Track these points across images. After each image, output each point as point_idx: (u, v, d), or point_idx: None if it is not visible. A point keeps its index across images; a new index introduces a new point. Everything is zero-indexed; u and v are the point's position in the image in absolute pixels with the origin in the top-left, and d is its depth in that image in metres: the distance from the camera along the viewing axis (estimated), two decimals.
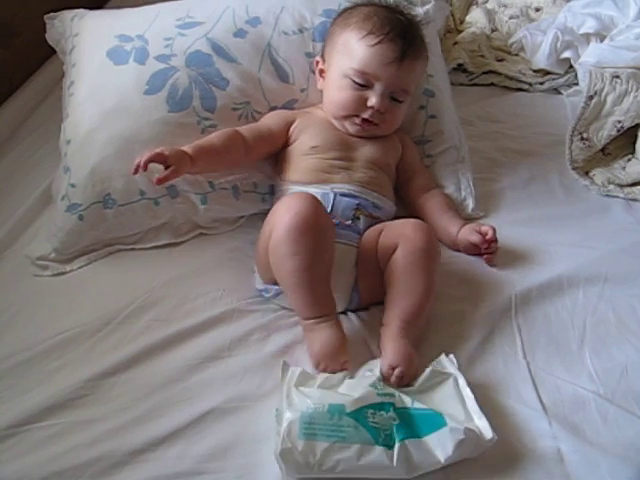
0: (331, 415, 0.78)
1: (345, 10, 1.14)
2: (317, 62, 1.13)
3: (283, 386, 0.84)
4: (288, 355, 0.92)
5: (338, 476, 0.77)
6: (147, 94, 1.09)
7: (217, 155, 1.05)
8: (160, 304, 0.99)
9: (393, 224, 1.02)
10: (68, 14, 1.25)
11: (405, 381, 0.86)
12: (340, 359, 0.87)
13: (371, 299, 1.00)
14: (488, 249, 1.05)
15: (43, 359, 0.92)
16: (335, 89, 1.09)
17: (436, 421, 0.80)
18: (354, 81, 1.06)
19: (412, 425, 0.80)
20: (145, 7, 1.24)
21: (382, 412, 0.80)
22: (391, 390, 0.83)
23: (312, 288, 0.90)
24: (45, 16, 1.28)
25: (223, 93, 1.11)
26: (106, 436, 0.83)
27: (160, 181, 0.97)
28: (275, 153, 1.13)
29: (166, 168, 0.97)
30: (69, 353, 0.93)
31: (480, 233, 1.05)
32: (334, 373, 0.86)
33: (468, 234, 1.06)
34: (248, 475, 0.79)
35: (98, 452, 0.81)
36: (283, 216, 0.91)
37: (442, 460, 0.78)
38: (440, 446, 0.78)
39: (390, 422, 0.79)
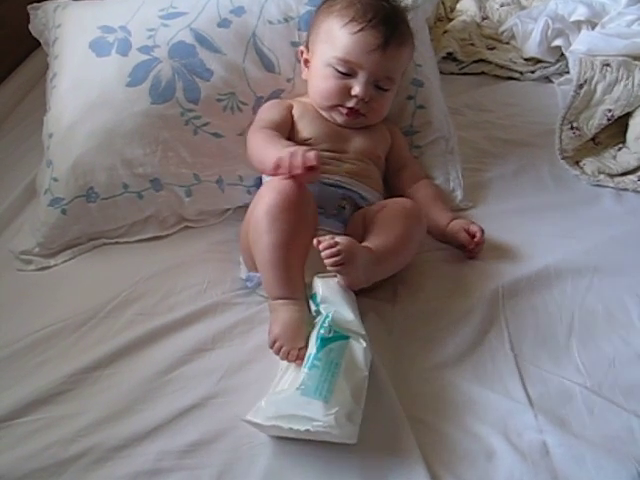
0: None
1: None
2: (302, 52, 1.12)
3: None
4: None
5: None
6: (129, 86, 1.07)
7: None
8: (144, 298, 0.99)
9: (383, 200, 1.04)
10: (51, 4, 1.23)
11: (340, 262, 0.86)
12: (297, 342, 0.86)
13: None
14: (473, 250, 1.04)
15: (26, 354, 0.91)
16: (319, 78, 1.08)
17: None
18: (337, 70, 1.05)
19: None
20: None
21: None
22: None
23: (285, 267, 0.90)
24: (28, 7, 1.26)
25: (207, 84, 1.09)
26: (89, 431, 0.82)
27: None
28: None
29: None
30: (52, 348, 0.92)
31: (468, 233, 1.04)
32: (287, 354, 0.85)
33: (456, 231, 1.05)
34: (231, 469, 0.79)
35: (81, 448, 0.81)
36: (265, 194, 0.92)
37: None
38: None
39: None
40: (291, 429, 0.77)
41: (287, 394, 0.81)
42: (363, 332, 0.85)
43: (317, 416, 0.77)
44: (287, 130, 1.08)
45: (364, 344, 0.84)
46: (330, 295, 0.89)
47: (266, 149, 0.99)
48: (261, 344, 0.92)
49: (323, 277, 0.91)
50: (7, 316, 0.97)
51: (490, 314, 0.97)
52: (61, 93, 1.11)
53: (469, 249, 1.04)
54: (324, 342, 0.83)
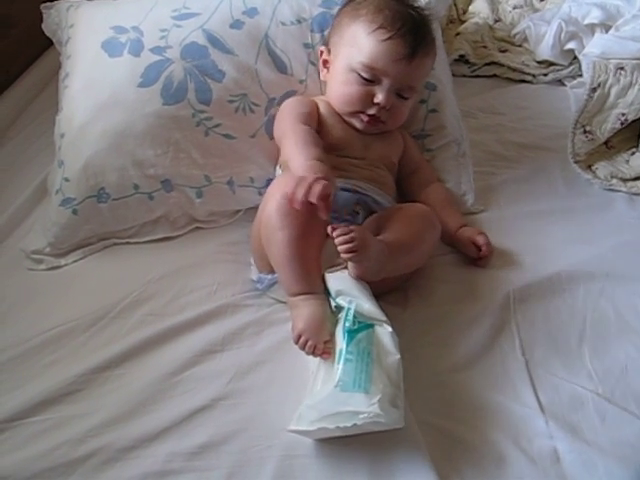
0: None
1: (351, 0, 1.11)
2: (322, 52, 1.11)
3: None
4: (282, 349, 0.91)
5: None
6: (141, 87, 1.07)
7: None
8: (154, 298, 0.99)
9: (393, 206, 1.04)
10: (64, 4, 1.23)
11: (353, 250, 0.86)
12: (322, 336, 0.86)
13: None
14: (480, 261, 1.05)
15: (36, 353, 0.92)
16: (340, 82, 1.06)
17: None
18: (361, 76, 1.03)
19: None
20: None
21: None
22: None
23: (301, 262, 0.90)
24: (41, 6, 1.26)
25: (219, 85, 1.09)
26: (98, 432, 0.82)
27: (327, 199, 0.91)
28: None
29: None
30: (62, 347, 0.92)
31: (475, 245, 1.04)
32: (313, 348, 0.85)
33: (464, 242, 1.05)
34: (241, 471, 0.79)
35: (90, 448, 0.81)
36: (275, 193, 0.92)
37: None
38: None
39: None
40: (338, 427, 0.77)
41: (326, 394, 0.80)
42: (384, 318, 0.86)
43: (361, 408, 0.76)
44: (315, 127, 1.07)
45: (389, 328, 0.85)
46: (344, 288, 0.88)
47: (295, 153, 0.97)
48: (271, 346, 0.92)
49: (332, 272, 0.91)
50: (18, 315, 0.97)
51: (501, 319, 0.96)
52: (73, 93, 1.11)
53: (476, 261, 1.05)
54: (351, 334, 0.83)
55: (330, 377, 0.82)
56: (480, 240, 1.04)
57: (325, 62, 1.10)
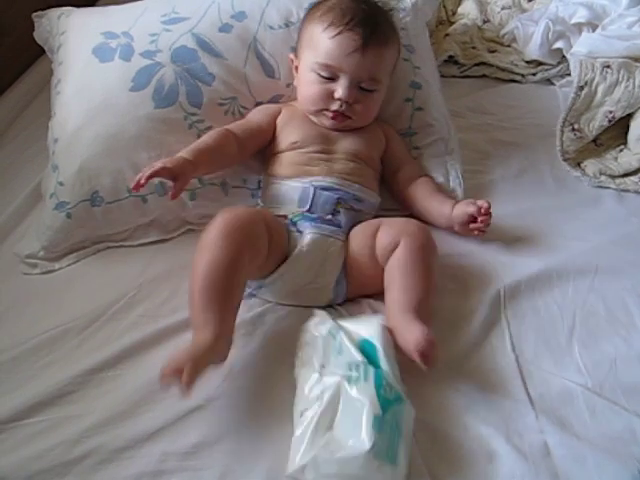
0: None
1: (314, 4, 1.12)
2: (292, 59, 1.13)
3: None
4: (274, 349, 0.92)
5: None
6: (133, 91, 1.09)
7: (214, 155, 1.04)
8: (148, 300, 0.99)
9: (392, 222, 1.01)
10: (55, 12, 1.25)
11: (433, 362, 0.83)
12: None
13: (359, 292, 1.00)
14: (483, 221, 1.04)
15: (31, 356, 0.92)
16: (304, 84, 1.09)
17: None
18: (320, 75, 1.05)
19: None
20: (132, 3, 1.23)
21: None
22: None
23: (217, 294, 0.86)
24: (33, 14, 1.28)
25: (209, 88, 1.10)
26: (93, 433, 0.83)
27: (175, 195, 0.96)
28: (264, 148, 1.12)
29: (172, 179, 0.96)
30: (57, 350, 0.93)
31: (475, 205, 1.05)
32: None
33: (464, 207, 1.05)
34: (233, 471, 0.79)
35: (85, 449, 0.82)
36: (216, 217, 0.92)
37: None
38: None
39: None
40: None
41: (354, 453, 0.74)
42: (404, 389, 0.81)
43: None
44: (262, 135, 1.10)
45: (412, 409, 0.80)
46: (387, 347, 0.83)
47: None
48: (263, 346, 0.93)
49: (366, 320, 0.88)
50: (12, 319, 0.98)
51: (491, 315, 0.97)
52: (65, 99, 1.12)
53: (479, 221, 1.04)
54: (387, 403, 0.77)
55: (348, 432, 0.76)
56: (480, 201, 1.04)
57: (296, 68, 1.12)
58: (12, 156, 1.28)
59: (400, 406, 0.78)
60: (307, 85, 1.08)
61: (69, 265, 1.07)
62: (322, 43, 1.05)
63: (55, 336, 0.95)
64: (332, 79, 1.05)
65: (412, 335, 0.84)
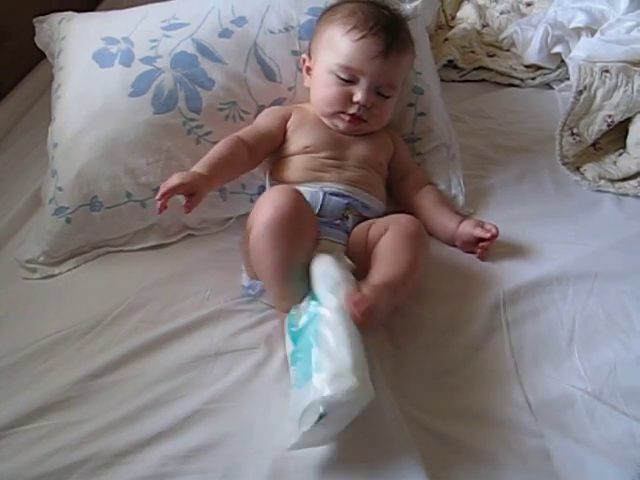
0: None
1: (331, 7, 1.13)
2: (304, 60, 1.13)
3: None
4: (275, 355, 0.92)
5: None
6: (132, 96, 1.09)
7: (227, 166, 1.03)
8: (148, 305, 0.99)
9: (384, 217, 1.02)
10: (56, 17, 1.25)
11: (371, 320, 0.84)
12: None
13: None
14: (486, 245, 1.04)
15: (31, 361, 0.92)
16: (321, 86, 1.08)
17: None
18: (339, 77, 1.06)
19: None
20: (133, 9, 1.24)
21: None
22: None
23: (289, 283, 0.90)
24: (34, 19, 1.28)
25: (209, 93, 1.10)
26: (93, 437, 0.83)
27: (189, 210, 0.96)
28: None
29: (188, 196, 0.96)
30: (57, 355, 0.93)
31: (483, 228, 1.05)
32: None
33: (471, 228, 1.05)
34: (233, 475, 0.79)
35: (85, 454, 0.82)
36: (263, 210, 0.91)
37: None
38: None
39: None
40: (316, 424, 0.75)
41: (291, 400, 0.81)
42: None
43: (318, 394, 0.75)
44: (273, 139, 1.09)
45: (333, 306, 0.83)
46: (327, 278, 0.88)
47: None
48: (264, 351, 0.92)
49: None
50: (12, 324, 0.98)
51: (491, 319, 0.97)
52: (65, 104, 1.13)
53: (481, 245, 1.04)
54: (296, 335, 0.83)
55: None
56: (488, 225, 1.05)
57: (308, 69, 1.12)
58: (12, 160, 1.28)
59: (311, 322, 0.82)
60: (324, 86, 1.08)
61: (69, 270, 1.07)
62: (344, 45, 1.05)
63: (55, 341, 0.94)
64: (351, 82, 1.06)
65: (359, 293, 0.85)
